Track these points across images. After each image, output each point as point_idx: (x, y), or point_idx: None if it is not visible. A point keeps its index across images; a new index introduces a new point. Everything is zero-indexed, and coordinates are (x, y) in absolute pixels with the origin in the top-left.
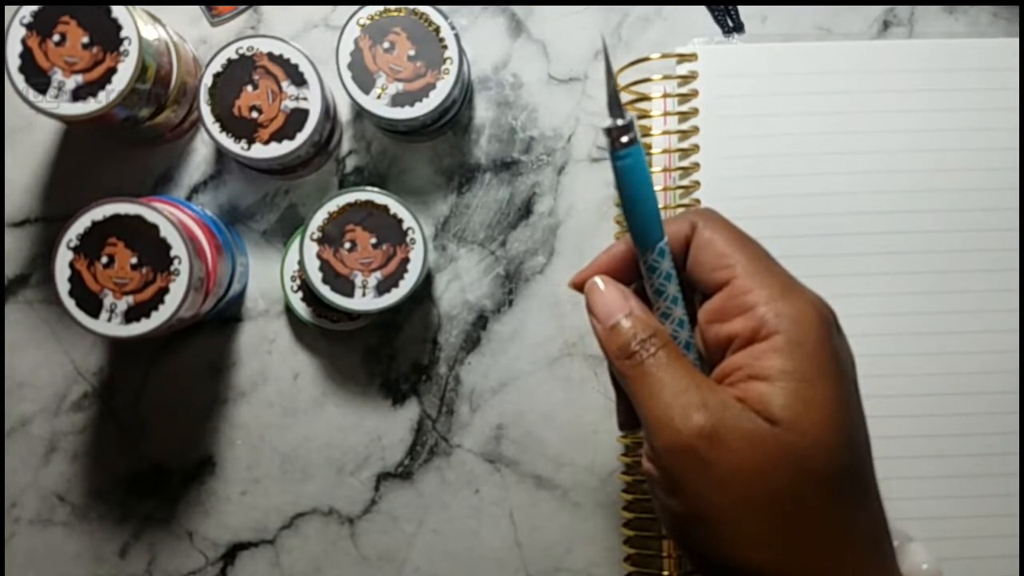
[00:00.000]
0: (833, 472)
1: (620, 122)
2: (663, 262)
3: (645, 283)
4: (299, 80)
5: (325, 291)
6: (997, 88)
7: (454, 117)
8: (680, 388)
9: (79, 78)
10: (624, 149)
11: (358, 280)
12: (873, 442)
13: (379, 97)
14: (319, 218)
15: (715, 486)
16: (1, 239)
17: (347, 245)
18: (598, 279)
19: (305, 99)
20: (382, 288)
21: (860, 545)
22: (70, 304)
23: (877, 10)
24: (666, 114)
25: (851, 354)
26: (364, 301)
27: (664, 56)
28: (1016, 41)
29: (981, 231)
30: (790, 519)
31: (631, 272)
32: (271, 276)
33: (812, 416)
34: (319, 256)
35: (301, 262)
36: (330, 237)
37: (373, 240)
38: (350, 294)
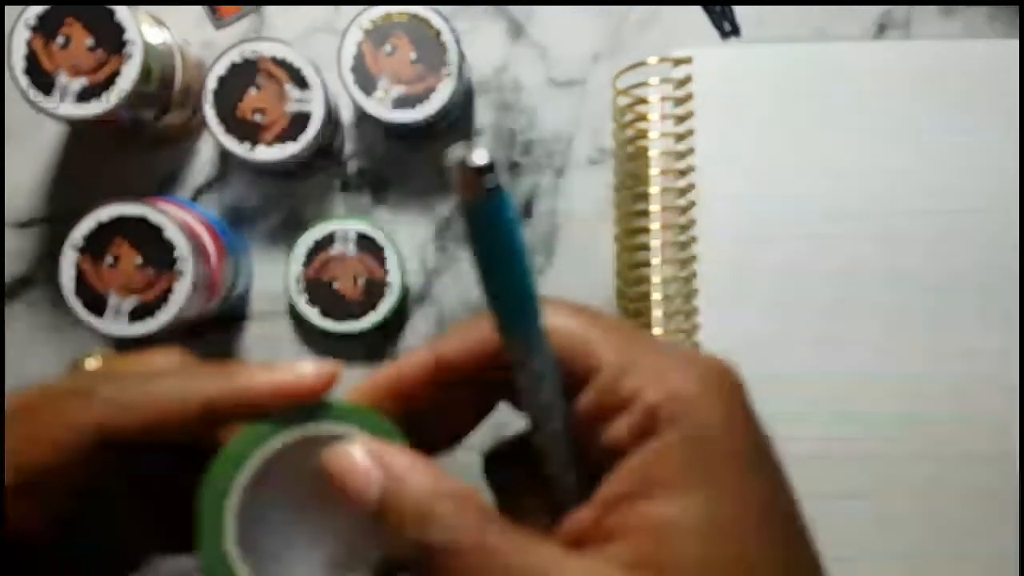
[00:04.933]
0: None
1: (480, 159)
2: (536, 354)
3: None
4: (302, 83)
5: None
6: (996, 89)
7: (455, 120)
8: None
9: (83, 80)
10: (487, 196)
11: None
12: (875, 460)
13: (381, 100)
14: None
15: None
16: (6, 240)
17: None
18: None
19: (308, 102)
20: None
21: None
22: (75, 304)
23: (873, 13)
24: (664, 117)
25: (765, 425)
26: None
27: (661, 60)
28: (1016, 43)
29: (980, 231)
30: None
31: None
32: (275, 277)
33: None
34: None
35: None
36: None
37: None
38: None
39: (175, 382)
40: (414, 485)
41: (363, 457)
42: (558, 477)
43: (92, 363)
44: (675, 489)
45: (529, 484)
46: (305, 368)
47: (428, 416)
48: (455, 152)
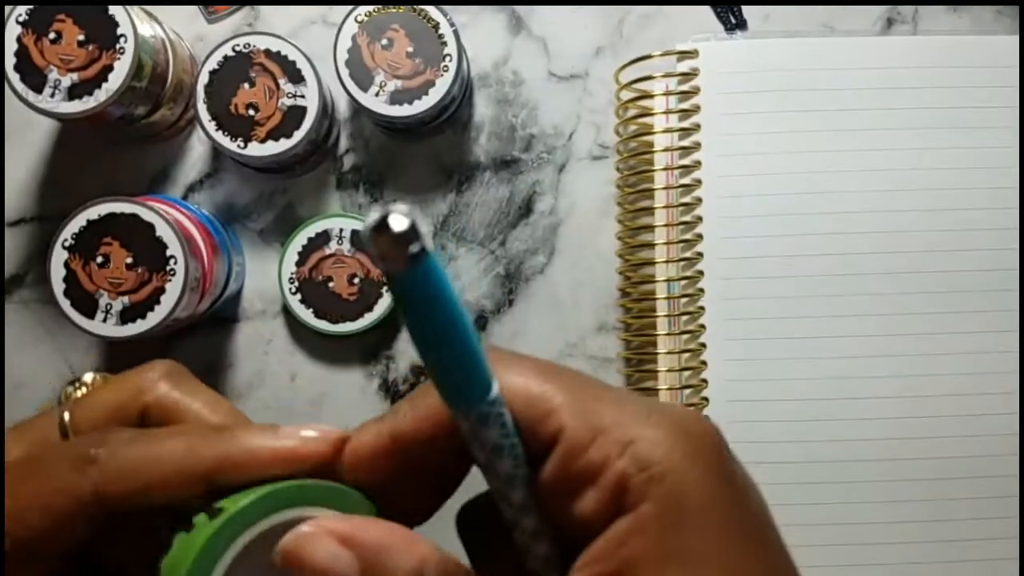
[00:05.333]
0: None
1: (399, 225)
2: (491, 427)
3: (474, 455)
4: (296, 77)
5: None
6: (998, 85)
7: (453, 115)
8: None
9: (75, 76)
10: (411, 265)
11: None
12: (876, 463)
13: (377, 94)
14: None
15: None
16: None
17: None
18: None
19: (302, 96)
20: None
21: None
22: (65, 304)
23: (880, 8)
24: (668, 112)
25: (753, 482)
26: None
27: (665, 53)
28: (1016, 39)
29: (980, 230)
30: None
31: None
32: (268, 276)
33: None
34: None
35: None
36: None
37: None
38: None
39: (176, 448)
40: (396, 564)
41: (330, 545)
42: (529, 546)
43: (77, 392)
44: (656, 570)
45: (503, 544)
46: (310, 433)
47: (399, 485)
48: (370, 218)
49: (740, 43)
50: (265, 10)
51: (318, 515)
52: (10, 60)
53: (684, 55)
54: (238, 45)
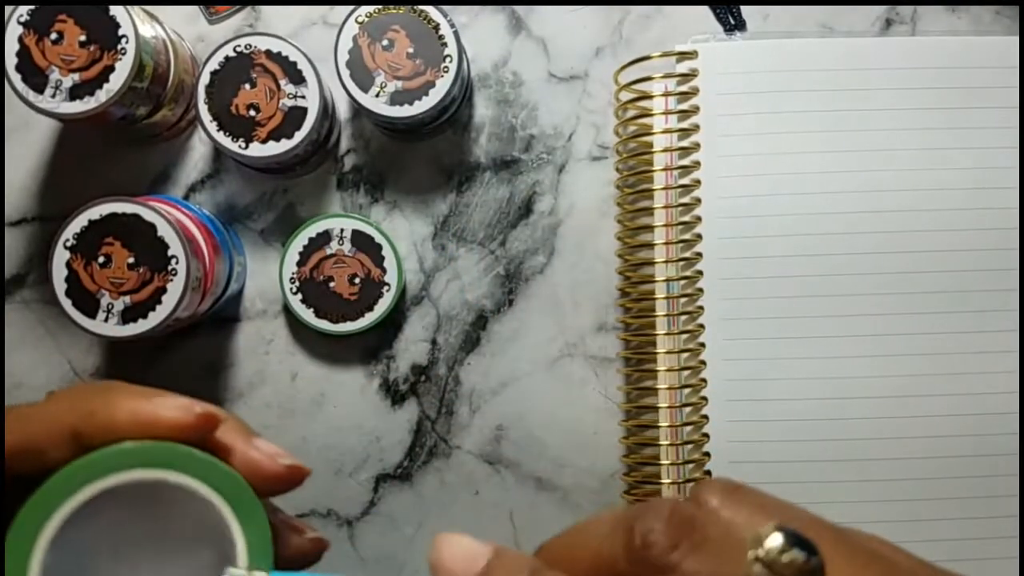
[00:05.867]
0: None
1: None
2: None
3: None
4: (297, 78)
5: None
6: (998, 86)
7: (453, 115)
8: None
9: (76, 76)
10: None
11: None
12: (876, 462)
13: (378, 95)
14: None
15: None
16: None
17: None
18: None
19: (303, 97)
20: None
21: None
22: (67, 304)
23: (879, 8)
24: (667, 112)
25: None
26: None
27: (664, 54)
28: (1015, 39)
29: (981, 230)
30: None
31: None
32: (269, 276)
33: None
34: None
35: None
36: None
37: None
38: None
39: (46, 411)
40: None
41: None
42: None
43: None
44: None
45: None
46: (179, 404)
47: None
48: None
49: (739, 44)
50: (266, 11)
51: (180, 480)
52: (11, 60)
53: (683, 56)
54: (239, 46)
